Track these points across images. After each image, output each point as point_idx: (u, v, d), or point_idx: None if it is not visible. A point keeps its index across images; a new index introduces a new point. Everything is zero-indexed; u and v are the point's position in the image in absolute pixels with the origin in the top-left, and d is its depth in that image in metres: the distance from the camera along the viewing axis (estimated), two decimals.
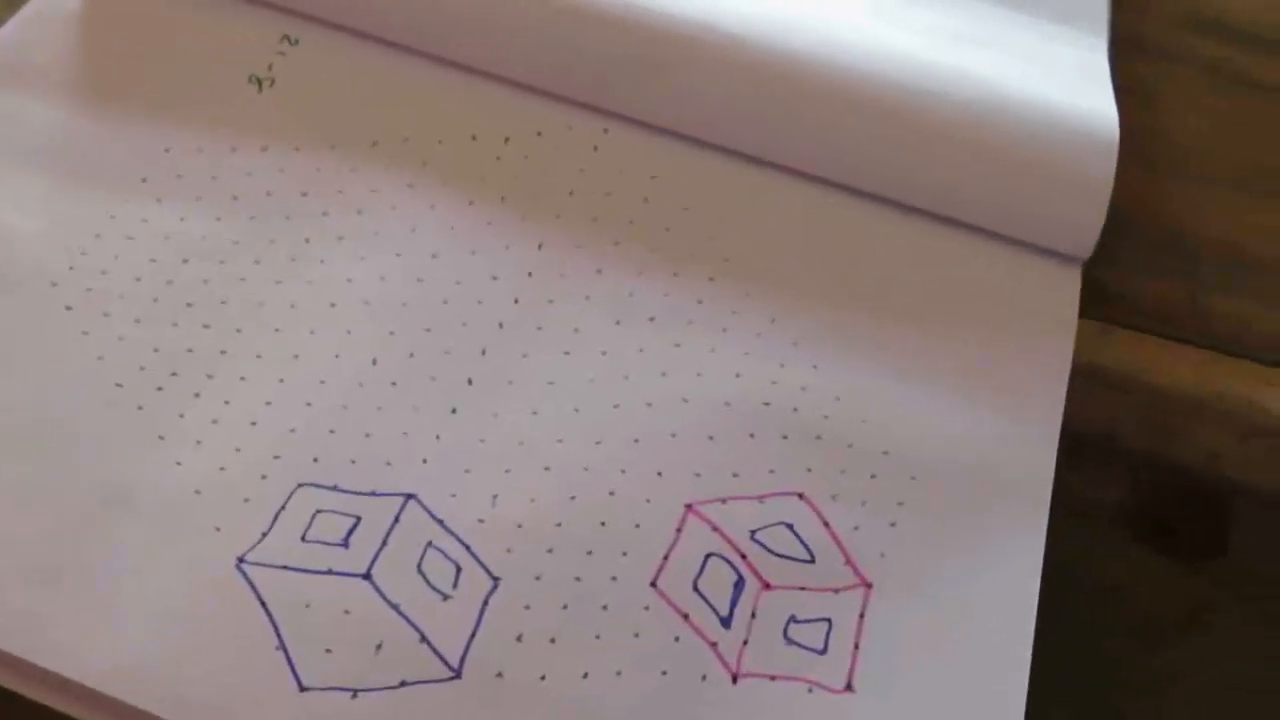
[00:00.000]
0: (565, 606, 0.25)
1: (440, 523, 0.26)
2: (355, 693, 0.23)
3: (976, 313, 0.30)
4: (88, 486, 0.26)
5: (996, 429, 0.28)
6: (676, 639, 0.25)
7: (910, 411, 0.29)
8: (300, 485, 0.26)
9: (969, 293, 0.31)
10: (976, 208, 0.32)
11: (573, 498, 0.26)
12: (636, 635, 0.25)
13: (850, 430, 0.28)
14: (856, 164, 0.32)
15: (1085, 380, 0.30)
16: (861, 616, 0.25)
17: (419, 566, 0.25)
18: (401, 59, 0.35)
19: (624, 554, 0.26)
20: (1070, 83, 0.34)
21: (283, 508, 0.26)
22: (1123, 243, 0.32)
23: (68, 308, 0.29)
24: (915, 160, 0.32)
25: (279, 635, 0.24)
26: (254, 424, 0.27)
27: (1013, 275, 0.31)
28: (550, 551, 0.26)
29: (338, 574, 0.25)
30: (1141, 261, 0.33)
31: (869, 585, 0.26)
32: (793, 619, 0.25)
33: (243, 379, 0.28)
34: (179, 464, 0.26)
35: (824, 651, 0.25)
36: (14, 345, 0.28)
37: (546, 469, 0.27)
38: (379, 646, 0.24)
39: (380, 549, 0.25)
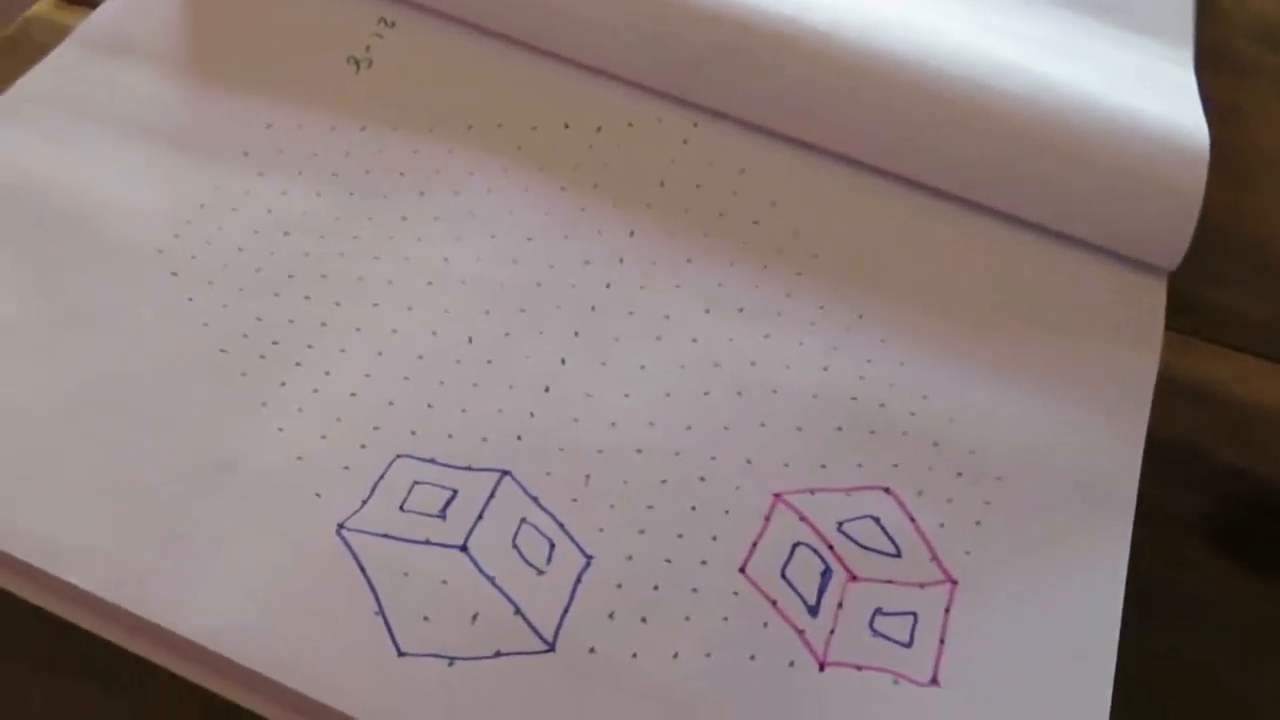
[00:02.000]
0: (656, 587, 0.25)
1: (534, 500, 0.26)
2: (452, 660, 0.24)
3: (1064, 319, 0.31)
4: (194, 448, 0.26)
5: (1082, 434, 0.28)
6: (765, 625, 0.25)
7: (996, 413, 0.29)
8: (399, 456, 0.27)
9: (1056, 299, 0.31)
10: (1066, 214, 0.32)
11: (664, 481, 0.27)
12: (725, 619, 0.25)
13: (937, 428, 0.28)
14: (944, 166, 0.32)
15: (1165, 391, 0.30)
16: (947, 612, 0.26)
17: (514, 541, 0.26)
18: (494, 45, 0.35)
19: (714, 538, 0.26)
20: (1159, 94, 0.34)
21: (381, 477, 0.26)
22: (1204, 255, 0.32)
23: (173, 274, 0.29)
24: (1006, 165, 0.32)
25: (378, 601, 0.24)
26: (353, 395, 0.28)
27: (1100, 283, 0.31)
28: (642, 533, 0.26)
29: (435, 545, 0.25)
30: (1223, 274, 0.33)
31: (955, 582, 0.26)
32: (879, 611, 0.26)
33: (342, 350, 0.28)
34: (281, 430, 0.27)
35: (910, 644, 0.25)
36: (123, 309, 0.28)
37: (639, 451, 0.27)
38: (475, 617, 0.24)
39: (476, 522, 0.26)
